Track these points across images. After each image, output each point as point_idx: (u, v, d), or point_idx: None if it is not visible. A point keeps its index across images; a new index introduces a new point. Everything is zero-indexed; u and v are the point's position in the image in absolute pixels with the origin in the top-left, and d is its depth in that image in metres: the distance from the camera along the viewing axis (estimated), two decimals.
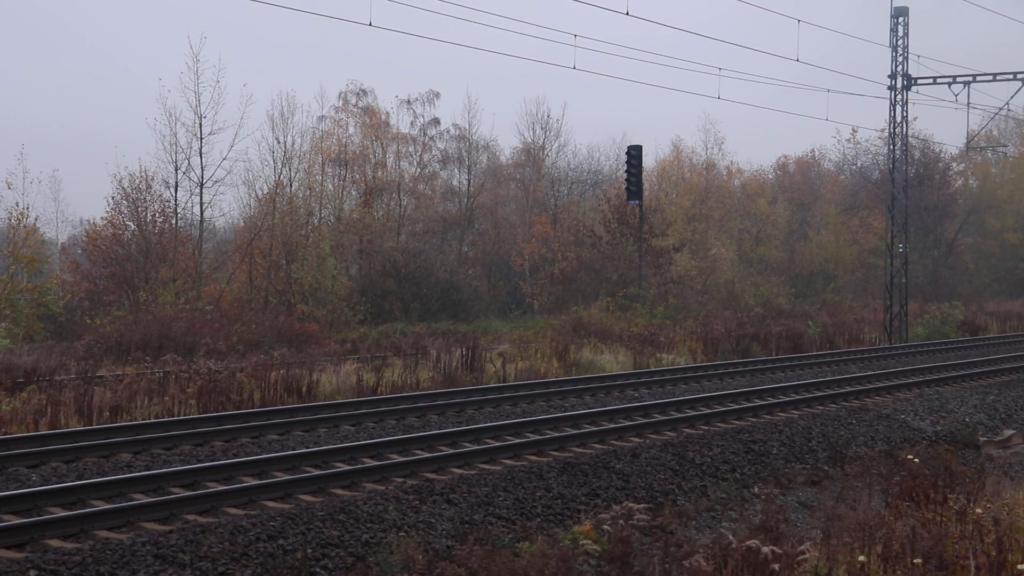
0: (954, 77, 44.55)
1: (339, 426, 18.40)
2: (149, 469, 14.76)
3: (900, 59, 44.18)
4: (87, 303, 41.37)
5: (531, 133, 63.80)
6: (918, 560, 10.95)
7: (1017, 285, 71.34)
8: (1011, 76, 44.20)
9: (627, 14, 29.51)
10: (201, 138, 43.36)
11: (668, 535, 11.39)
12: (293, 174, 50.12)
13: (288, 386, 23.16)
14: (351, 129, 57.28)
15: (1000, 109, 48.46)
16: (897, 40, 44.22)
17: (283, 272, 46.34)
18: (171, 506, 12.75)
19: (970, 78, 44.29)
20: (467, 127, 60.95)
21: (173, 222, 43.98)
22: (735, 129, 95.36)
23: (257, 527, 12.17)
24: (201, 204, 44.33)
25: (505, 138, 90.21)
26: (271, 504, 13.36)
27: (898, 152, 44.73)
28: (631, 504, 12.25)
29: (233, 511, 12.93)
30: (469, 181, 61.69)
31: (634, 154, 47.40)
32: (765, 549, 10.44)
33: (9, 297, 38.40)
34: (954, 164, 75.38)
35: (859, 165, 75.67)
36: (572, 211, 60.06)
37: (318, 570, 11.70)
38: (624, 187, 49.32)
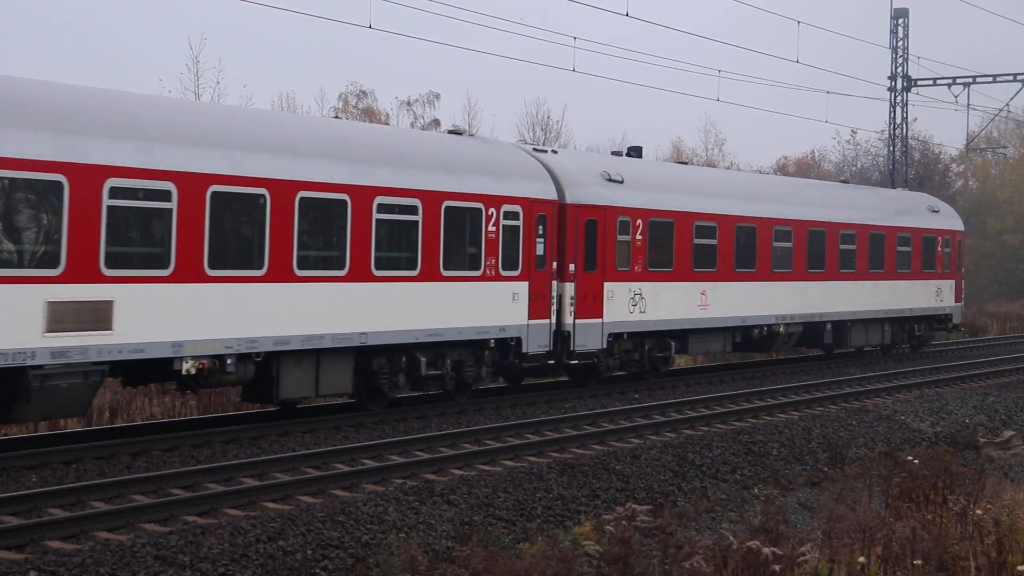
0: (954, 78, 44.59)
1: (339, 427, 18.38)
2: (149, 470, 14.74)
3: (900, 60, 44.23)
4: None
5: (531, 134, 63.82)
6: (918, 561, 10.95)
7: (1017, 286, 71.28)
8: (1011, 77, 44.24)
9: (626, 15, 29.54)
10: None
11: (668, 536, 11.37)
12: None
13: None
14: None
15: (1000, 110, 48.52)
16: (897, 41, 44.26)
17: None
18: (171, 507, 12.75)
19: (970, 79, 44.33)
20: (467, 128, 60.99)
21: None
22: (735, 130, 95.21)
23: (257, 528, 12.16)
24: None
25: (505, 139, 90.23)
26: (271, 505, 13.36)
27: (898, 153, 44.75)
28: (634, 505, 12.24)
29: (233, 512, 12.93)
30: None
31: (634, 155, 47.35)
32: (765, 550, 10.44)
33: None
34: (954, 165, 75.40)
35: (859, 166, 75.64)
36: None
37: (318, 571, 11.69)
38: None
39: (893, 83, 44.49)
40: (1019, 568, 10.56)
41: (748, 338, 27.13)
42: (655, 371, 25.07)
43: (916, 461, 15.97)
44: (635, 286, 23.27)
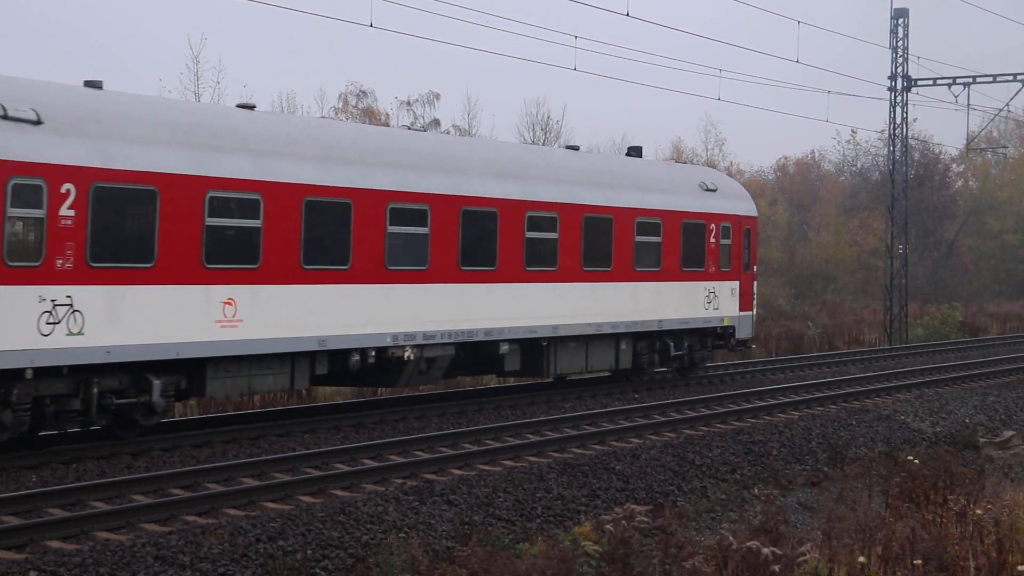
0: (954, 78, 44.58)
1: (339, 427, 18.38)
2: (149, 470, 14.75)
3: (900, 60, 44.22)
4: None
5: (531, 134, 63.80)
6: (918, 561, 10.96)
7: (1017, 286, 71.33)
8: (1011, 77, 44.23)
9: (627, 15, 29.54)
10: None
11: (668, 536, 11.38)
12: None
13: None
14: None
15: (1000, 110, 48.52)
16: (897, 41, 44.24)
17: None
18: (171, 507, 12.75)
19: (970, 79, 44.31)
20: (467, 128, 60.96)
21: None
22: (736, 130, 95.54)
23: (257, 528, 12.16)
24: None
25: (505, 139, 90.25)
26: (271, 505, 13.36)
27: (898, 153, 44.74)
28: (633, 506, 12.25)
29: (233, 512, 12.93)
30: None
31: (634, 155, 47.37)
32: (765, 550, 10.44)
33: None
34: (954, 165, 75.44)
35: (859, 166, 75.70)
36: None
37: (318, 571, 11.70)
38: None
39: (893, 83, 44.47)
40: (1019, 568, 10.56)
41: (342, 367, 18.39)
42: (130, 426, 16.16)
43: (916, 461, 15.98)
44: (57, 291, 14.65)
